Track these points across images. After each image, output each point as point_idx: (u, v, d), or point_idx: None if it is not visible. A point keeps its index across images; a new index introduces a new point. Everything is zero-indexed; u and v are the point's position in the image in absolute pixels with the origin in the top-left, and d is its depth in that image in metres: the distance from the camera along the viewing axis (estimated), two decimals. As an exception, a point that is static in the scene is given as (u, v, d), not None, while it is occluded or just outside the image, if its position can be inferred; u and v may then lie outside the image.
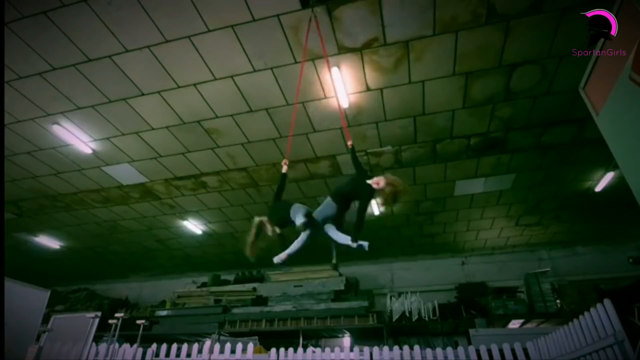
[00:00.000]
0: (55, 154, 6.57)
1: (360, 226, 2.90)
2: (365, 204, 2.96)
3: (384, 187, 2.82)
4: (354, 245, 2.81)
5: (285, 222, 3.02)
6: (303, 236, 3.03)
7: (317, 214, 3.00)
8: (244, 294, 10.05)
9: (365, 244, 2.80)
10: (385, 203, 2.96)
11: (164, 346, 6.51)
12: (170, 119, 5.79)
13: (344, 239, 2.89)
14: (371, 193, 2.93)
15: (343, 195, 3.05)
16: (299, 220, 2.85)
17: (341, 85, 5.06)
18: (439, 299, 9.05)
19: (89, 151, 6.44)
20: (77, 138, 6.12)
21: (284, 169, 3.52)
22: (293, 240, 3.04)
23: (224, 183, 7.48)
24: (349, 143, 3.52)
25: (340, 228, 3.00)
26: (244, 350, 6.13)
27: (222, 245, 10.33)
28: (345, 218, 3.09)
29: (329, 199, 3.03)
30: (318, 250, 10.23)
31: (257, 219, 3.07)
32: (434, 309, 8.63)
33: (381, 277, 10.99)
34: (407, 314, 8.61)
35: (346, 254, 10.63)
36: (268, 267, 11.09)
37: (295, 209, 2.98)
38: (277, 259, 3.00)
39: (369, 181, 2.91)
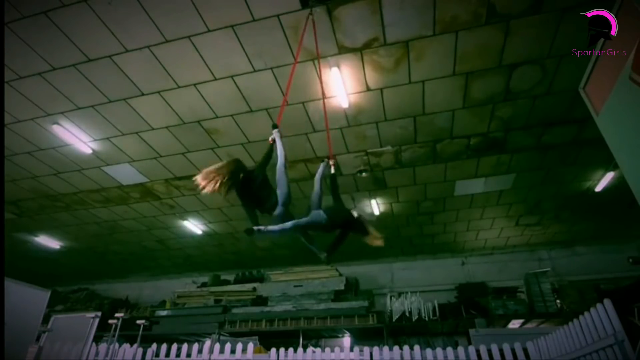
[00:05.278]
0: (55, 154, 6.57)
1: (337, 248, 3.01)
2: (347, 234, 3.02)
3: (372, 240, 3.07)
4: (321, 257, 2.99)
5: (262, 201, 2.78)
6: (289, 225, 2.77)
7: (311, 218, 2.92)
8: (244, 294, 10.05)
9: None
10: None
11: (164, 346, 6.50)
12: (170, 119, 5.79)
13: (315, 249, 3.01)
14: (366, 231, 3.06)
15: (336, 221, 2.97)
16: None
17: (341, 85, 5.06)
18: (439, 299, 9.07)
19: (89, 151, 6.44)
20: (77, 138, 6.12)
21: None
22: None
23: (224, 183, 7.46)
24: (331, 162, 3.49)
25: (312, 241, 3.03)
26: (244, 350, 6.13)
27: (222, 245, 10.32)
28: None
29: (323, 215, 2.88)
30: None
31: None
32: (434, 309, 8.64)
33: (381, 277, 10.98)
34: (407, 314, 8.62)
35: (346, 254, 10.65)
36: (268, 267, 11.11)
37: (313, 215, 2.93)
38: (256, 227, 2.66)
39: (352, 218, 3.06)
